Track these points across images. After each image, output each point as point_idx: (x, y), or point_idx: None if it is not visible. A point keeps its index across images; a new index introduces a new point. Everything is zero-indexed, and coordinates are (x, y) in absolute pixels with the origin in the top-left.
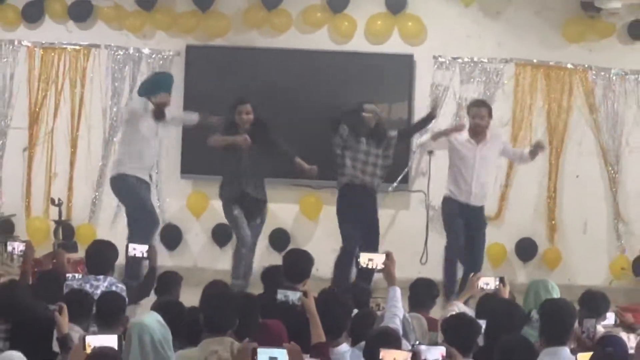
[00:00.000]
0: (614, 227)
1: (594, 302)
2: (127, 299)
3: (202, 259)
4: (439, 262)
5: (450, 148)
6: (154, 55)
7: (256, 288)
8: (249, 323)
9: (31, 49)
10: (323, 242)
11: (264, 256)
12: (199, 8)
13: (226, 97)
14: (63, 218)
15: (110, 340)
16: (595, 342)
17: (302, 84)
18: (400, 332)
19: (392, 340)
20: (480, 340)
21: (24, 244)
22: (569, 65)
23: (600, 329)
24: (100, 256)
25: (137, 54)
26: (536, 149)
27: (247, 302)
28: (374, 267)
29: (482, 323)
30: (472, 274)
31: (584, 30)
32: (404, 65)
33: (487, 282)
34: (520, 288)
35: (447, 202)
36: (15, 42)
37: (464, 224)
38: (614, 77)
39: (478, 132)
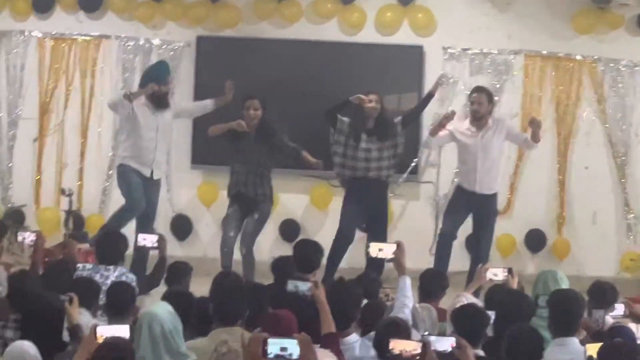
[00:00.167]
0: (623, 218)
1: (602, 293)
2: (137, 289)
3: (212, 249)
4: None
5: (453, 139)
6: (164, 46)
7: (266, 278)
8: (259, 313)
9: (41, 39)
10: (333, 233)
11: (274, 247)
12: None
13: (236, 88)
14: (73, 208)
15: (121, 331)
16: (604, 332)
17: (312, 75)
18: (410, 322)
19: (401, 330)
20: (489, 331)
21: (35, 234)
22: (578, 57)
23: (609, 319)
24: (110, 246)
25: (147, 45)
26: (533, 127)
27: (257, 293)
28: (384, 257)
29: (491, 314)
30: (480, 264)
31: (594, 21)
32: (414, 57)
33: (496, 273)
34: (529, 279)
35: (455, 190)
36: (26, 33)
37: (472, 213)
38: (623, 69)
39: (478, 119)
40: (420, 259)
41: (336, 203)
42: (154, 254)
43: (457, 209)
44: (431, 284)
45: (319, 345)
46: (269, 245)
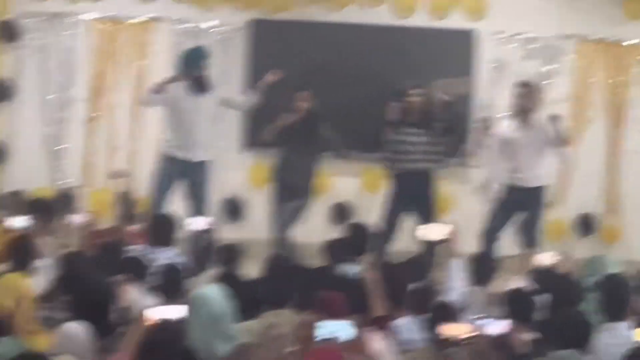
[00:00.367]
0: None
1: None
2: (187, 272)
3: (263, 231)
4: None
5: (501, 142)
6: (215, 30)
7: (317, 261)
8: (309, 296)
9: (93, 22)
10: None
11: (325, 230)
12: None
13: (289, 72)
14: (124, 190)
15: (172, 312)
16: None
17: (363, 59)
18: (461, 305)
19: (452, 313)
20: (539, 315)
21: (86, 215)
22: (630, 42)
23: None
24: (161, 228)
25: (198, 28)
26: (554, 124)
27: (307, 275)
28: (434, 239)
29: (541, 298)
30: (530, 248)
31: None
32: (465, 41)
33: (546, 257)
34: (579, 263)
35: (502, 188)
36: (78, 16)
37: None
38: None
39: (520, 113)
40: (471, 243)
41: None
42: (204, 236)
43: (503, 209)
44: (482, 268)
45: (369, 327)
46: (320, 228)
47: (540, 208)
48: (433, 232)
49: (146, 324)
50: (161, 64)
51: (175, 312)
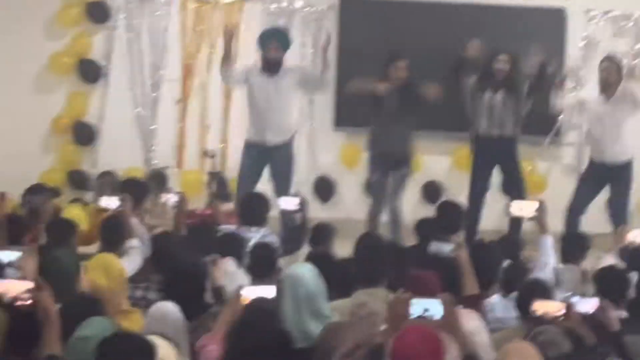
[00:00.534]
0: None
1: None
2: (280, 251)
3: (355, 210)
4: (591, 215)
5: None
6: (306, 9)
7: (409, 240)
8: (401, 275)
9: (185, 1)
10: None
11: (417, 208)
12: None
13: (379, 51)
14: (216, 170)
15: (265, 292)
16: None
17: (453, 38)
18: (553, 283)
19: (544, 291)
20: (632, 292)
21: (178, 195)
22: None
23: None
24: (253, 208)
25: (290, 7)
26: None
27: (400, 254)
28: (525, 215)
29: (634, 275)
30: (621, 225)
31: None
32: (556, 20)
33: (636, 234)
34: None
35: (587, 165)
36: None
37: (603, 183)
38: None
39: (605, 88)
40: (562, 221)
41: None
42: (296, 216)
43: (587, 185)
44: (573, 245)
45: (461, 306)
46: (411, 207)
47: (627, 184)
48: (524, 208)
49: (240, 303)
50: (253, 44)
51: (269, 291)
